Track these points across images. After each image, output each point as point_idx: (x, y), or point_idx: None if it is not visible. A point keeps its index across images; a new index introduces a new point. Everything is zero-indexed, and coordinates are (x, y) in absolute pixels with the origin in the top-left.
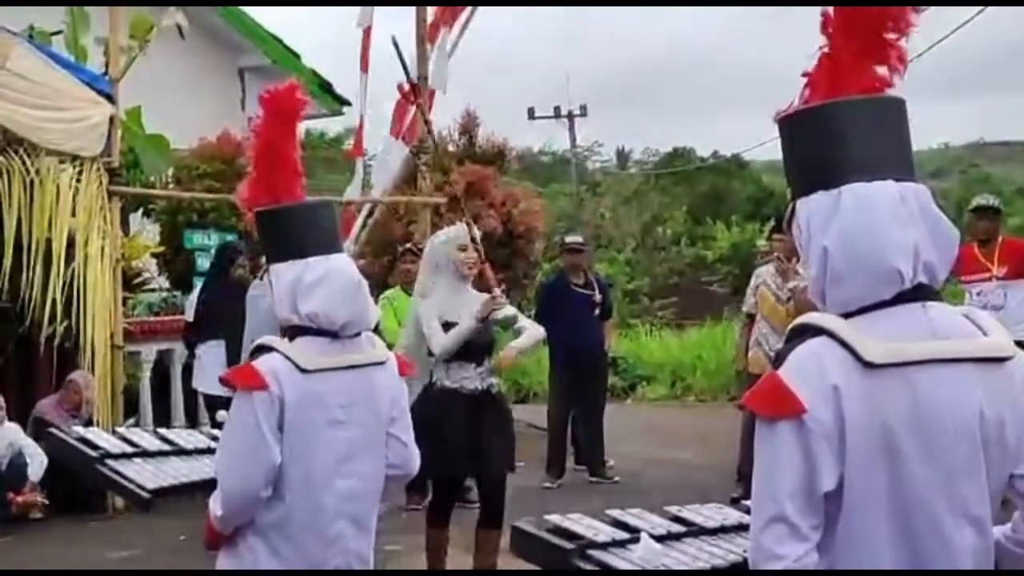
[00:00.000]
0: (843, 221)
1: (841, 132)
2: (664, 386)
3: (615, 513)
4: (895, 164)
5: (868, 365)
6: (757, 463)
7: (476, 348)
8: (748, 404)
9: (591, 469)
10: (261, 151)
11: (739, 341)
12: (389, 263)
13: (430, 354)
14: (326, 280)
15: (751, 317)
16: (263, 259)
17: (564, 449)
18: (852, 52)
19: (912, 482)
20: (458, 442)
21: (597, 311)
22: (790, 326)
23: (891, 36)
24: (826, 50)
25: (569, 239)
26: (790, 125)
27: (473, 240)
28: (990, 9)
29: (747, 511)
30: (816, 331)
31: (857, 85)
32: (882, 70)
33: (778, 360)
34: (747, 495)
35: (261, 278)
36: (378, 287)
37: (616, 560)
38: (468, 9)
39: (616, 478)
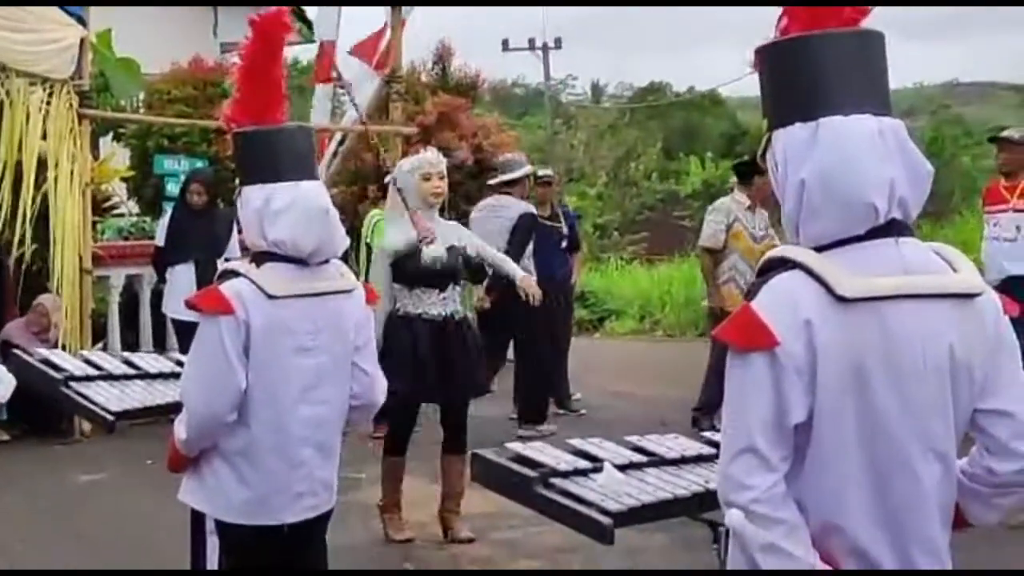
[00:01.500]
0: (821, 154)
1: (820, 64)
2: (633, 321)
3: (576, 442)
4: (873, 98)
5: (841, 299)
6: (728, 395)
7: (439, 274)
8: (721, 336)
9: (557, 401)
10: (246, 73)
11: (708, 278)
12: (360, 192)
13: (396, 282)
14: (293, 206)
15: (711, 252)
16: (233, 182)
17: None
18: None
19: (881, 415)
20: (421, 367)
21: (564, 243)
22: (762, 258)
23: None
24: None
25: (540, 172)
26: (769, 56)
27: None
28: None
29: (708, 443)
30: (790, 264)
31: (837, 17)
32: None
33: (751, 293)
34: (703, 426)
35: (227, 202)
36: (349, 216)
37: (579, 488)
38: None
39: (582, 411)
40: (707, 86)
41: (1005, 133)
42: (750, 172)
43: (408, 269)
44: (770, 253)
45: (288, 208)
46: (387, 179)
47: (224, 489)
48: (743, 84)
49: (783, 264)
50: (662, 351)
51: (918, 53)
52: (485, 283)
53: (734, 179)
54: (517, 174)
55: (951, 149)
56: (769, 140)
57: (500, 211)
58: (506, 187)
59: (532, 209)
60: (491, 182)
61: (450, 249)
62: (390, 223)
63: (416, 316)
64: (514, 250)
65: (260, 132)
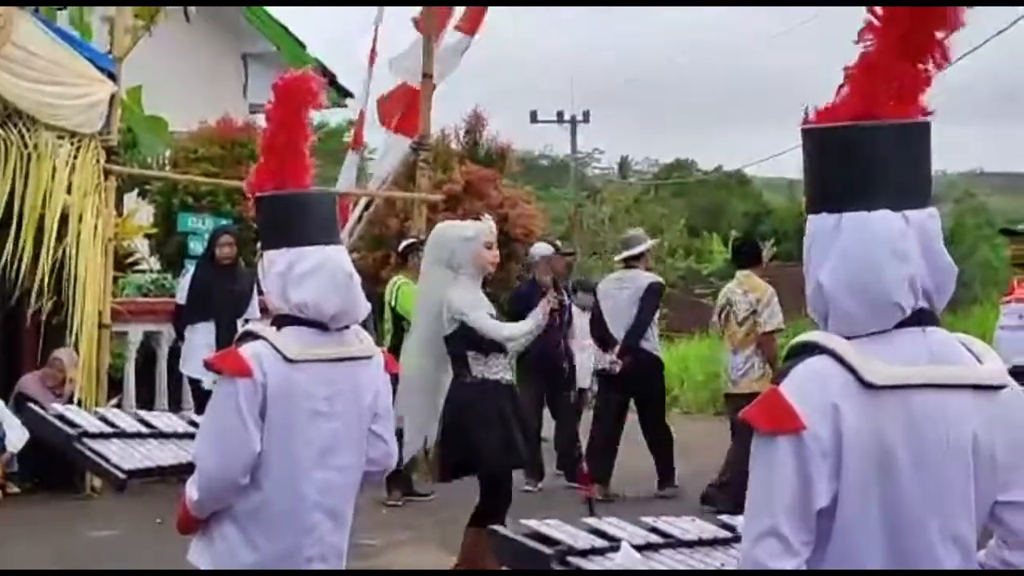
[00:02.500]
0: (843, 251)
1: (854, 156)
2: None
3: (593, 521)
4: (906, 192)
5: (869, 386)
6: (753, 477)
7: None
8: (748, 418)
9: (569, 474)
10: (271, 137)
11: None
12: (383, 258)
13: (470, 349)
14: (319, 270)
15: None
16: (255, 244)
17: (539, 452)
18: (894, 47)
19: (905, 502)
20: (511, 433)
21: (566, 317)
22: (792, 343)
23: (938, 34)
24: (868, 47)
25: (560, 245)
26: (808, 140)
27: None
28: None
29: (723, 526)
30: (819, 349)
31: (894, 84)
32: (923, 68)
33: (779, 376)
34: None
35: (248, 264)
36: (370, 282)
37: (596, 568)
38: (487, 10)
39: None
40: (734, 165)
41: (1020, 227)
42: (753, 252)
43: (484, 339)
44: (798, 338)
45: (314, 271)
46: (404, 244)
47: (233, 552)
48: (769, 165)
49: (811, 349)
50: (679, 428)
51: (944, 139)
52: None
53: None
54: (639, 249)
55: (972, 238)
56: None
57: (627, 282)
58: (631, 261)
59: (660, 279)
60: (617, 258)
61: (499, 318)
62: (453, 288)
63: (496, 382)
64: (645, 315)
65: (285, 197)
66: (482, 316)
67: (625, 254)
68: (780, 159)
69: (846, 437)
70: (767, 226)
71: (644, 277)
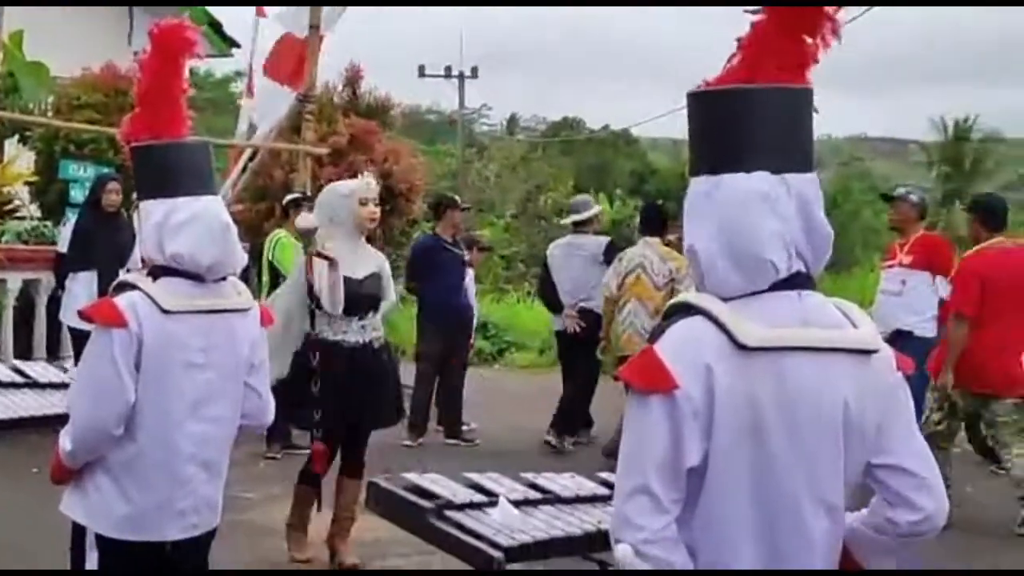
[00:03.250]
0: (719, 213)
1: (735, 120)
2: (533, 353)
3: (472, 476)
4: (785, 155)
5: (742, 348)
6: (625, 434)
7: (357, 302)
8: (623, 376)
9: (448, 430)
10: (146, 86)
11: (606, 328)
12: (267, 210)
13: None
14: (194, 221)
15: (613, 302)
16: (134, 194)
17: (428, 409)
18: (784, 21)
19: (774, 464)
20: (339, 394)
21: (467, 272)
22: (669, 303)
23: (828, 10)
24: (760, 20)
25: (459, 199)
26: (691, 104)
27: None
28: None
29: (603, 483)
30: (693, 310)
31: (780, 57)
32: (811, 43)
33: (654, 336)
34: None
35: (130, 214)
36: (253, 234)
37: (473, 522)
38: None
39: (476, 440)
40: (621, 125)
41: (897, 191)
42: (659, 219)
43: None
44: (676, 299)
45: (189, 222)
46: (288, 198)
47: (106, 503)
48: (655, 125)
49: (687, 310)
50: (557, 385)
51: (831, 104)
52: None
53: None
54: (589, 213)
55: (855, 202)
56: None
57: (580, 247)
58: (578, 226)
59: (608, 239)
60: (563, 221)
61: (371, 276)
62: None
63: (336, 343)
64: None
65: (160, 147)
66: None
67: (574, 218)
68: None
69: (718, 398)
70: (651, 186)
71: (596, 241)
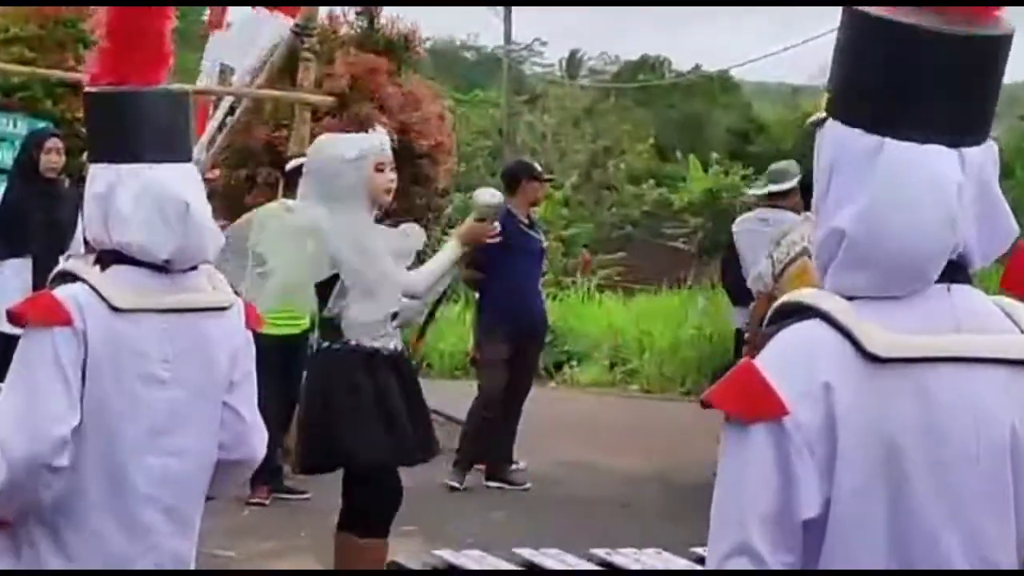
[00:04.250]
0: (876, 186)
1: (903, 60)
2: (600, 368)
3: (526, 553)
4: (961, 120)
5: (873, 359)
6: (721, 476)
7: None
8: (712, 400)
9: (492, 470)
10: (116, 16)
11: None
12: (249, 178)
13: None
14: (142, 200)
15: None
16: (82, 155)
17: (490, 440)
18: None
19: (918, 512)
20: (384, 418)
21: (543, 264)
22: (775, 304)
23: None
24: None
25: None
26: (852, 20)
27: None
28: None
29: (698, 560)
30: (809, 311)
31: None
32: None
33: (756, 346)
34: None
35: (76, 181)
36: (233, 208)
37: None
38: None
39: (526, 484)
40: (717, 66)
41: None
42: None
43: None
44: (785, 298)
45: (135, 201)
46: (291, 165)
47: (40, 560)
48: (763, 66)
49: (799, 311)
50: (636, 411)
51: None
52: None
53: (750, 192)
54: (787, 185)
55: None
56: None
57: (775, 226)
58: (774, 199)
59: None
60: (755, 192)
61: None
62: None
63: (375, 351)
64: None
65: (109, 95)
66: (385, 260)
67: (773, 188)
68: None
69: (841, 424)
70: (758, 146)
71: (791, 220)
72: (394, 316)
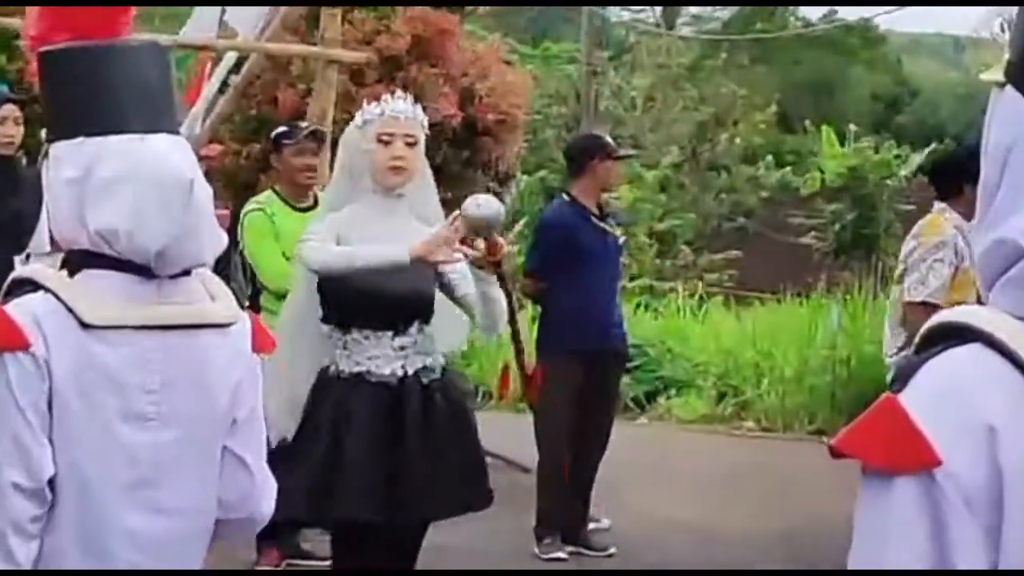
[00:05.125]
0: None
1: None
2: (705, 400)
3: None
4: None
5: None
6: (858, 541)
7: (394, 306)
8: (846, 447)
9: (565, 530)
10: None
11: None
12: (262, 155)
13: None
14: (131, 177)
15: (928, 307)
16: (42, 130)
17: (561, 488)
18: None
19: None
20: (364, 464)
21: (620, 266)
22: (928, 325)
23: None
24: None
25: (607, 140)
26: None
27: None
28: None
29: None
30: (970, 334)
31: None
32: None
33: (902, 378)
34: None
35: (35, 161)
36: (240, 193)
37: None
38: None
39: (611, 550)
40: (857, 14)
41: None
42: (954, 175)
43: (343, 296)
44: (938, 316)
45: (123, 179)
46: (277, 131)
47: None
48: (915, 13)
49: (957, 334)
50: (751, 454)
51: None
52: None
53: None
54: None
55: None
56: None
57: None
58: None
59: None
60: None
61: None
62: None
63: (358, 376)
64: None
65: (80, 52)
66: (317, 237)
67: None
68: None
69: (1010, 479)
70: (907, 114)
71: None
72: (396, 332)
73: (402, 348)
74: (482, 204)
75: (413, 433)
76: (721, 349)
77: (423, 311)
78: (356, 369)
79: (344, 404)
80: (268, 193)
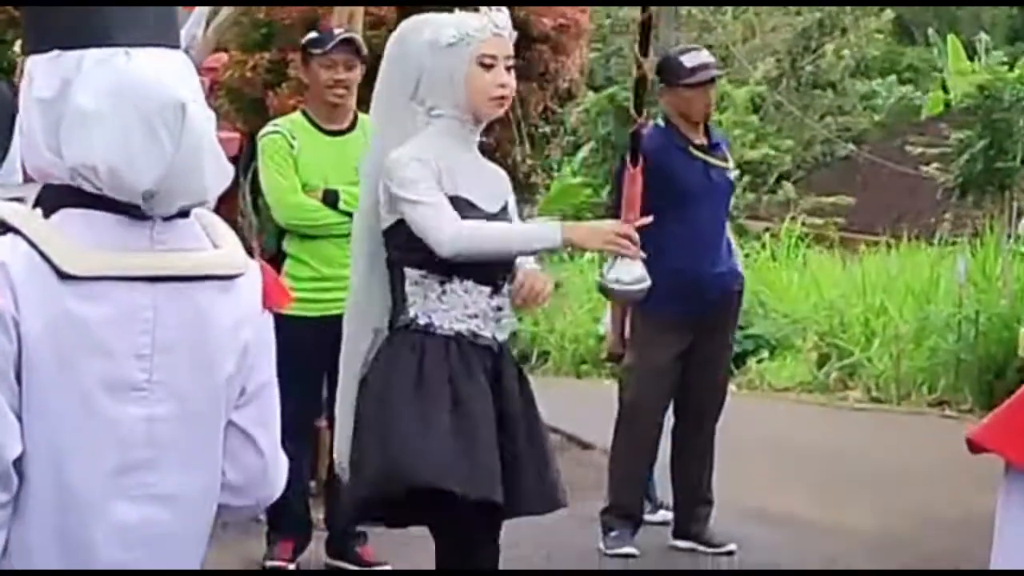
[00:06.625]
0: None
1: None
2: (805, 364)
3: None
4: None
5: None
6: (1000, 542)
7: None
8: (984, 441)
9: (683, 521)
10: None
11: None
12: (279, 64)
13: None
14: (116, 100)
15: None
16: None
17: (648, 479)
18: None
19: None
20: (487, 431)
21: (729, 203)
22: None
23: None
24: None
25: (689, 55)
26: None
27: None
28: None
29: None
30: None
31: None
32: None
33: None
34: None
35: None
36: (252, 115)
37: None
38: None
39: (730, 547)
40: None
41: None
42: None
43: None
44: None
45: (102, 103)
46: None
47: None
48: None
49: None
50: (861, 431)
51: None
52: None
53: None
54: None
55: None
56: None
57: None
58: None
59: None
60: None
61: (503, 212)
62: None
63: (458, 336)
64: None
65: None
66: (435, 197)
67: None
68: None
69: None
70: None
71: None
72: (495, 289)
73: (499, 308)
74: (635, 272)
75: (514, 412)
76: (824, 303)
77: (512, 267)
78: (457, 327)
79: (453, 365)
80: (296, 114)
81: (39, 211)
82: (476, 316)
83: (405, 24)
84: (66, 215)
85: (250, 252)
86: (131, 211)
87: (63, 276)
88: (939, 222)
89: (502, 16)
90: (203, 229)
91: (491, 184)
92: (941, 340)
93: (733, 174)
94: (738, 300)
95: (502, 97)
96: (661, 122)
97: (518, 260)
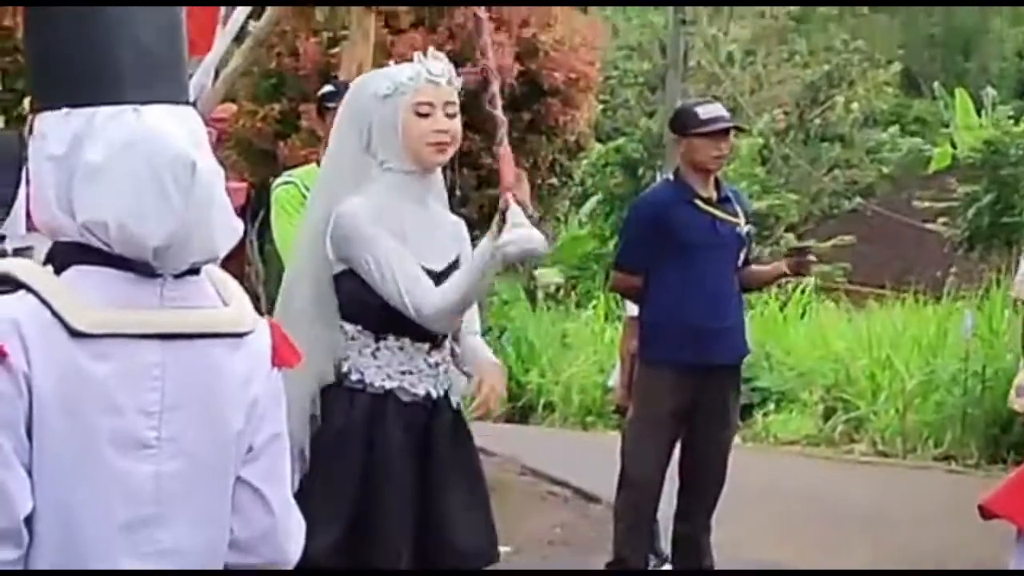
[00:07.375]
0: None
1: None
2: (811, 417)
3: None
4: None
5: None
6: None
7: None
8: (997, 509)
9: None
10: None
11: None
12: (290, 115)
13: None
14: (125, 156)
15: None
16: (26, 101)
17: (653, 532)
18: None
19: None
20: (397, 500)
21: (742, 258)
22: None
23: None
24: None
25: (704, 107)
26: None
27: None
28: None
29: None
30: None
31: None
32: None
33: None
34: None
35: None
36: (260, 166)
37: None
38: None
39: None
40: None
41: None
42: None
43: (379, 297)
44: None
45: (113, 160)
46: (325, 89)
47: None
48: None
49: None
50: (866, 484)
51: None
52: None
53: None
54: None
55: None
56: None
57: None
58: None
59: None
60: None
61: (453, 267)
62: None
63: (388, 395)
64: None
65: (67, 4)
66: (407, 266)
67: None
68: None
69: None
70: None
71: None
72: (434, 345)
73: (437, 364)
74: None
75: (444, 467)
76: (830, 356)
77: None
78: (388, 384)
79: (375, 426)
80: (312, 166)
81: (50, 268)
82: (411, 372)
83: (359, 78)
84: (77, 272)
85: (256, 299)
86: (141, 268)
87: (73, 333)
88: (945, 277)
89: (438, 64)
90: (213, 286)
91: (441, 239)
92: (947, 394)
93: (744, 229)
94: (744, 352)
95: (440, 143)
96: (671, 176)
97: (471, 344)
